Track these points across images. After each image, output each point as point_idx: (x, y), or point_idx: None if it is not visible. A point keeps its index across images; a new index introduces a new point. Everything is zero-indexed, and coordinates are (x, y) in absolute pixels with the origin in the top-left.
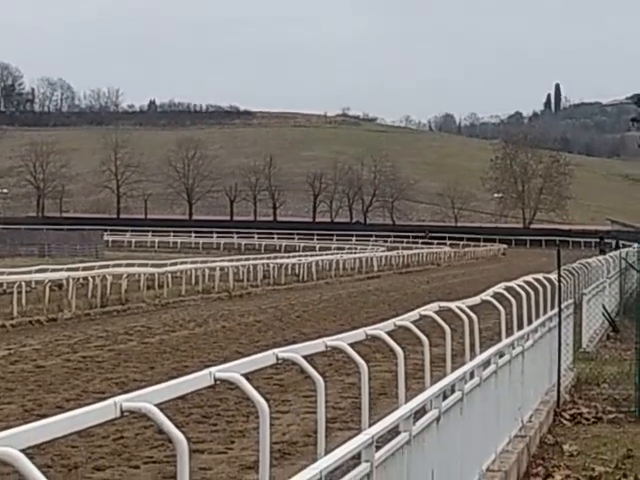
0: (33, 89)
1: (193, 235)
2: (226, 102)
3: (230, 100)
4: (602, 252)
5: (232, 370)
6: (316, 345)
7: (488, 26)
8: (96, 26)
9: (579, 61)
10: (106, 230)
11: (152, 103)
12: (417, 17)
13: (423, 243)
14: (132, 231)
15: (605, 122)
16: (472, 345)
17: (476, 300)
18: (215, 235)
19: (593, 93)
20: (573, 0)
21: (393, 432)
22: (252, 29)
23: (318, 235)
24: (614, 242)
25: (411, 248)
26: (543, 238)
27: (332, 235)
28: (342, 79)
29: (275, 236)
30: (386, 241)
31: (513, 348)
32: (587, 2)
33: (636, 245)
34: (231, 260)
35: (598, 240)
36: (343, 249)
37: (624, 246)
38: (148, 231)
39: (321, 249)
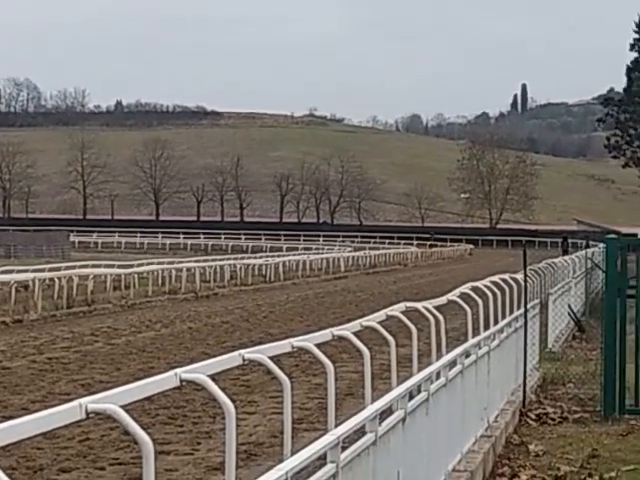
0: None
1: (160, 236)
2: (193, 102)
3: (197, 100)
4: (565, 252)
5: (198, 371)
6: (283, 346)
7: (455, 26)
8: (63, 26)
9: (546, 61)
10: (72, 231)
11: (119, 103)
12: (384, 17)
13: (431, 245)
14: (99, 232)
15: (571, 122)
16: (438, 345)
17: (443, 300)
18: (182, 236)
19: (559, 93)
20: (540, 0)
21: (359, 432)
22: (218, 29)
23: (285, 235)
24: (584, 242)
25: (378, 248)
26: (510, 238)
27: (299, 235)
28: (309, 79)
29: (242, 237)
30: (353, 241)
31: (479, 348)
32: (555, 3)
33: (602, 245)
34: (198, 261)
35: (561, 240)
36: (310, 249)
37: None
38: (115, 232)
39: (288, 249)
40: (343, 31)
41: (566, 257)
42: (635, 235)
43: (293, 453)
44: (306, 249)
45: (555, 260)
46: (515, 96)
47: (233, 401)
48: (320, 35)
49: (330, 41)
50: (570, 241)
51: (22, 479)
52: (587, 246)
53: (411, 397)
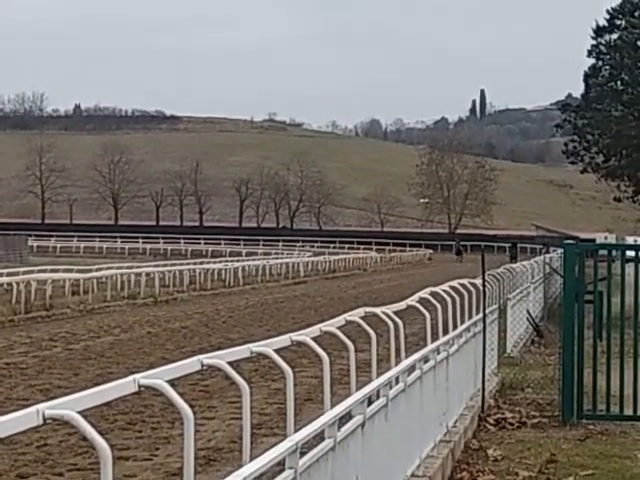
0: None
1: (119, 240)
2: (152, 107)
3: (156, 105)
4: (513, 259)
5: (157, 377)
6: (241, 351)
7: (414, 31)
8: (20, 30)
9: (504, 67)
10: (31, 235)
11: (77, 107)
12: (343, 22)
13: (457, 253)
14: (57, 236)
15: (530, 128)
16: (397, 350)
17: (402, 305)
18: (141, 240)
19: (518, 99)
20: (499, 7)
21: (318, 438)
22: (177, 33)
23: (245, 240)
24: (544, 248)
25: (337, 253)
26: (468, 243)
27: (259, 240)
28: (268, 84)
29: (201, 241)
30: (313, 246)
31: (438, 353)
32: (513, 9)
33: (560, 250)
34: (157, 265)
35: (509, 246)
36: (270, 254)
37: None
38: (73, 236)
39: (248, 254)
40: (300, 36)
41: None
42: (593, 240)
43: (252, 459)
44: (265, 254)
45: (513, 265)
46: (474, 102)
47: (192, 406)
48: (277, 39)
49: (289, 46)
50: (529, 247)
51: None
52: (547, 252)
53: (370, 402)
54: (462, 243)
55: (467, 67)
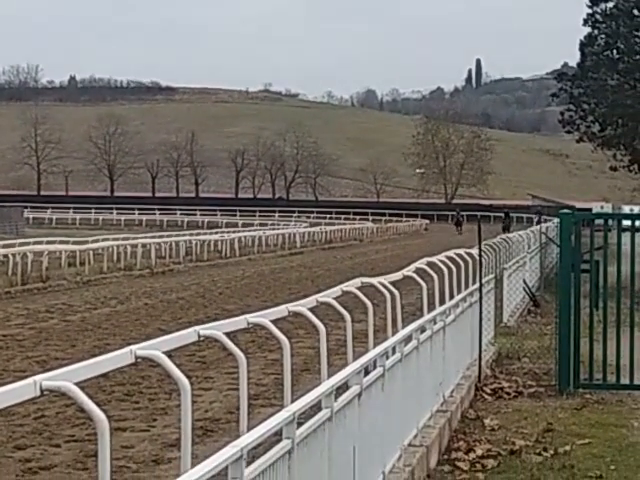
0: None
1: (115, 212)
2: (147, 78)
3: (151, 76)
4: (505, 229)
5: (153, 348)
6: (238, 322)
7: (409, 1)
8: (15, 1)
9: (500, 37)
10: (27, 207)
11: (72, 79)
12: None
13: (457, 224)
14: (53, 208)
15: (525, 97)
16: (394, 321)
17: (398, 276)
18: (137, 212)
19: (514, 69)
20: None
21: (315, 408)
22: (172, 4)
23: (241, 211)
24: (536, 217)
25: (334, 224)
26: (465, 213)
27: (255, 211)
28: (264, 55)
29: (197, 212)
30: (309, 217)
31: (434, 323)
32: None
33: (556, 220)
34: (153, 237)
35: (503, 216)
36: (266, 225)
37: (546, 221)
38: (69, 208)
39: (244, 225)
40: (297, 6)
41: (513, 234)
42: (589, 210)
43: (249, 429)
44: (262, 225)
45: (510, 235)
46: (469, 71)
47: (189, 377)
48: (274, 10)
49: (284, 16)
50: (525, 216)
51: None
52: (539, 222)
53: (367, 373)
54: (462, 213)
55: (463, 36)
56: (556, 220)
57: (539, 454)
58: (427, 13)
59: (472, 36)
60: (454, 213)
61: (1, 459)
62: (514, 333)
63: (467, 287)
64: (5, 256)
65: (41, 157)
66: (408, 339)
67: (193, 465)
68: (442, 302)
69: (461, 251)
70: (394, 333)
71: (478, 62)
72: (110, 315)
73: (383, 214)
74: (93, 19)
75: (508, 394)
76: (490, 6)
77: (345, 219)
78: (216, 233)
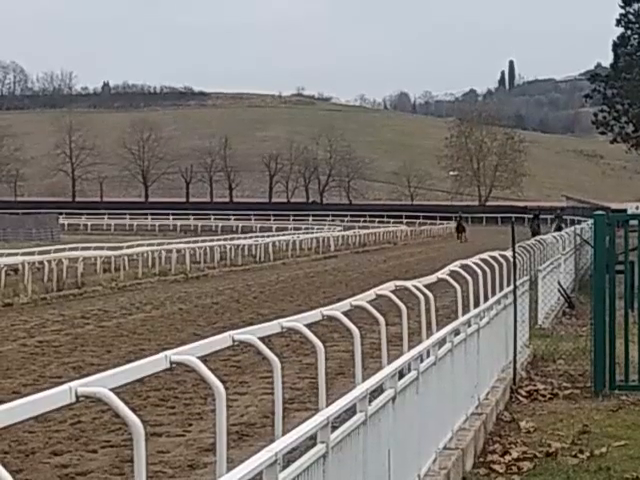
0: None
1: (149, 217)
2: (180, 83)
3: (184, 81)
4: (535, 233)
5: (188, 353)
6: (272, 326)
7: (442, 2)
8: (49, 8)
9: (533, 38)
10: (62, 213)
11: (106, 85)
12: None
13: (458, 229)
14: (88, 214)
15: (559, 99)
16: (428, 324)
17: (432, 278)
18: (171, 217)
19: (547, 70)
20: None
21: (350, 412)
22: (204, 9)
23: (275, 216)
24: (555, 220)
25: (368, 227)
26: (499, 215)
27: (289, 215)
28: (297, 59)
29: (231, 217)
30: (343, 220)
31: (469, 326)
32: None
33: (590, 221)
34: (188, 242)
35: (531, 217)
36: (300, 229)
37: (562, 228)
38: (104, 214)
39: (278, 230)
40: (328, 9)
41: (548, 235)
42: (624, 211)
43: (284, 433)
44: (296, 229)
45: (544, 237)
46: (502, 73)
47: (224, 382)
48: (306, 14)
49: (316, 20)
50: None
51: (14, 463)
52: (559, 227)
53: (401, 376)
54: (464, 216)
55: (496, 38)
56: (590, 221)
57: (575, 456)
58: (460, 16)
59: (505, 38)
60: (457, 216)
61: (38, 465)
62: (549, 335)
63: (501, 289)
64: (41, 262)
65: (75, 163)
66: (442, 342)
67: (228, 470)
68: (476, 305)
69: (495, 253)
70: (428, 336)
71: (511, 64)
72: (145, 320)
73: (417, 217)
74: (126, 25)
75: (543, 396)
76: (523, 8)
77: (379, 222)
78: (250, 238)
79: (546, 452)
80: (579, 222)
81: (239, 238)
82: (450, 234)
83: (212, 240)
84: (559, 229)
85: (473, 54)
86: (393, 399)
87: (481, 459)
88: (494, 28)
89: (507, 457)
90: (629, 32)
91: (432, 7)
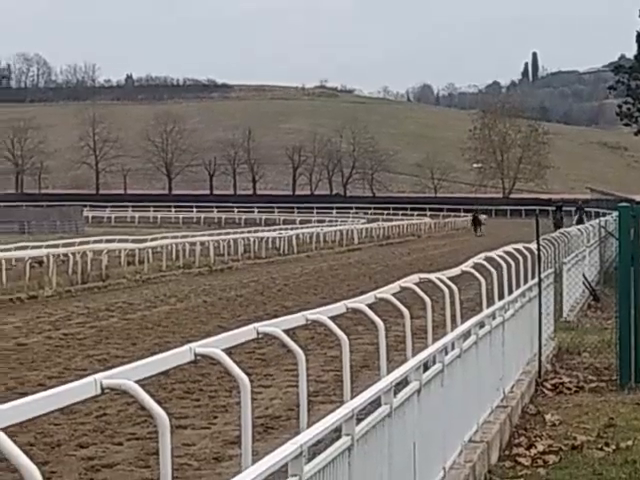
0: (9, 65)
1: (173, 210)
2: (203, 75)
3: (207, 73)
4: (557, 226)
5: (213, 345)
6: (297, 319)
7: None
8: (71, 0)
9: (556, 29)
10: (86, 206)
11: (129, 77)
12: None
13: (474, 222)
14: (112, 207)
15: (583, 90)
16: (453, 316)
17: (456, 271)
18: (195, 209)
19: (570, 61)
20: None
21: (374, 404)
22: (227, 0)
23: (298, 208)
24: (577, 212)
25: (391, 220)
26: (523, 208)
27: (312, 208)
28: (319, 51)
29: (255, 210)
30: (366, 213)
31: (494, 318)
32: None
33: (615, 213)
34: (211, 234)
35: (554, 210)
36: (323, 222)
37: (603, 214)
38: (128, 206)
39: (301, 222)
40: (352, 1)
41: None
42: None
43: (309, 426)
44: (319, 221)
45: (569, 229)
46: (526, 64)
47: (248, 375)
48: (329, 6)
49: (340, 12)
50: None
51: (40, 455)
52: (580, 220)
53: (426, 368)
54: (480, 208)
55: (519, 30)
56: (615, 214)
57: (601, 449)
58: (483, 6)
59: (528, 29)
60: (473, 209)
61: (64, 457)
62: (574, 328)
63: (526, 282)
64: (65, 255)
65: (99, 156)
66: (467, 335)
67: (253, 462)
68: (501, 297)
69: (519, 246)
70: (453, 329)
71: (534, 55)
72: (170, 313)
73: (441, 209)
74: (148, 18)
75: (569, 389)
76: None
77: (402, 215)
78: (274, 230)
79: (572, 445)
80: (603, 214)
81: (263, 231)
82: None
83: (236, 233)
84: (581, 221)
85: (496, 46)
86: (418, 391)
87: (506, 452)
88: (517, 20)
89: (533, 450)
90: None
91: None
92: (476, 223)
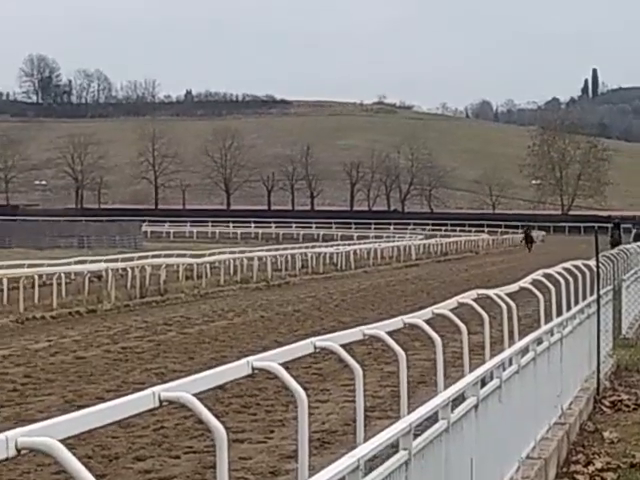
0: (70, 81)
1: (231, 225)
2: (262, 91)
3: (266, 89)
4: (615, 243)
5: (270, 359)
6: (354, 334)
7: (524, 11)
8: (132, 17)
9: (616, 45)
10: (144, 221)
11: (188, 93)
12: (453, 2)
13: (526, 240)
14: (170, 222)
15: None
16: (511, 332)
17: (514, 287)
18: (253, 225)
19: (631, 78)
20: None
21: (431, 420)
22: (285, 18)
23: (356, 224)
24: (614, 228)
25: (449, 236)
26: (582, 224)
27: (370, 224)
28: (378, 67)
29: (313, 225)
30: (424, 229)
31: (552, 335)
32: None
33: None
34: (269, 250)
35: (611, 227)
36: (381, 237)
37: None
38: (186, 221)
39: (359, 238)
40: (410, 18)
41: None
42: None
43: (365, 440)
44: (377, 237)
45: (628, 246)
46: (586, 81)
47: (305, 389)
48: (387, 22)
49: (398, 28)
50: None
51: (98, 467)
52: (637, 236)
53: (483, 384)
54: (531, 224)
55: (579, 47)
56: None
57: None
58: (542, 23)
59: (589, 45)
60: (525, 226)
61: (122, 470)
62: (633, 345)
63: (584, 298)
64: (124, 269)
65: (158, 171)
66: (525, 351)
67: (310, 476)
68: (559, 314)
69: (578, 262)
70: (510, 345)
71: (594, 72)
72: (227, 327)
73: (499, 226)
74: (208, 34)
75: (627, 406)
76: (606, 15)
77: (460, 231)
78: (331, 246)
79: (630, 463)
80: None
81: (320, 246)
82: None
83: (294, 248)
84: (638, 238)
85: (556, 62)
86: (476, 407)
87: (564, 469)
88: (577, 36)
89: (590, 467)
90: None
91: (514, 15)
92: (528, 241)
